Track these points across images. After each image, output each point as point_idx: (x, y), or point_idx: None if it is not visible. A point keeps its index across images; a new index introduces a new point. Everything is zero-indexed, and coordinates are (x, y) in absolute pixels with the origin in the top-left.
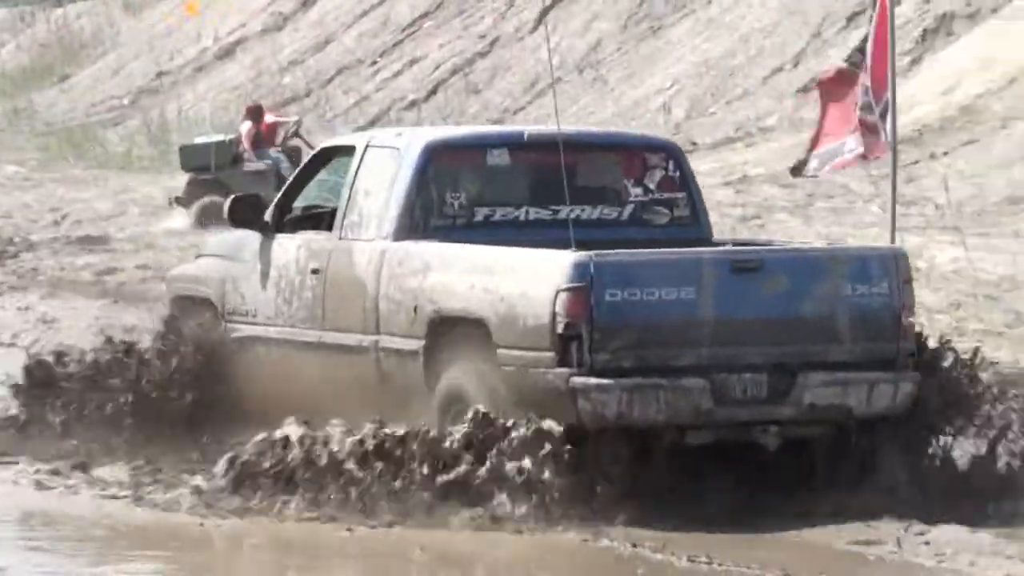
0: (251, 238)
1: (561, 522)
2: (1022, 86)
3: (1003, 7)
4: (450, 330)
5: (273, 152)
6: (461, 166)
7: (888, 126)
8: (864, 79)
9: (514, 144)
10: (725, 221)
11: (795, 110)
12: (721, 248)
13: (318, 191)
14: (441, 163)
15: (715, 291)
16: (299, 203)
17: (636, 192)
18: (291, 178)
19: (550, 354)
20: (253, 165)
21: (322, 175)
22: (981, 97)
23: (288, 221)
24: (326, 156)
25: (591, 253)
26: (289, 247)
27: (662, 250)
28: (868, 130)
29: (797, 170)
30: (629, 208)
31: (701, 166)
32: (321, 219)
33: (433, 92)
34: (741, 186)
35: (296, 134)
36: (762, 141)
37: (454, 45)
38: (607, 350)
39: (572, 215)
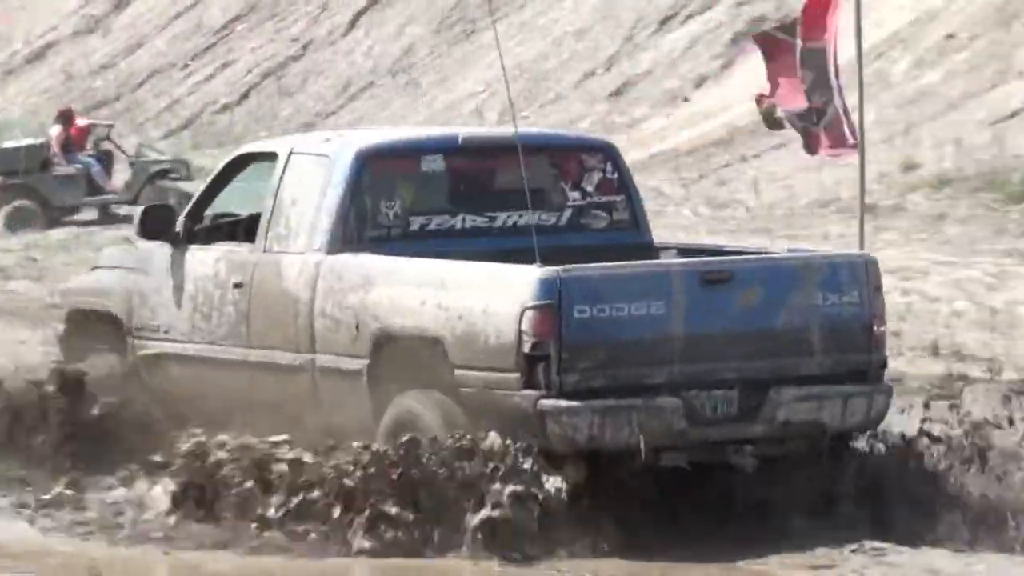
0: (159, 250)
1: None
2: None
3: None
4: (398, 349)
5: (83, 156)
6: (395, 173)
7: (832, 127)
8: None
9: (448, 149)
10: None
11: (607, 114)
12: (691, 260)
13: (232, 199)
14: (374, 171)
15: (685, 305)
16: (210, 212)
17: (574, 196)
18: (204, 186)
19: (515, 375)
20: (63, 169)
21: (236, 183)
22: None
23: (200, 231)
24: (242, 163)
25: (558, 268)
26: (205, 259)
27: (631, 263)
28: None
29: (774, 124)
30: (567, 213)
31: None
32: (236, 229)
33: (246, 96)
34: None
35: (107, 138)
36: None
37: (266, 48)
38: (576, 370)
39: (510, 222)
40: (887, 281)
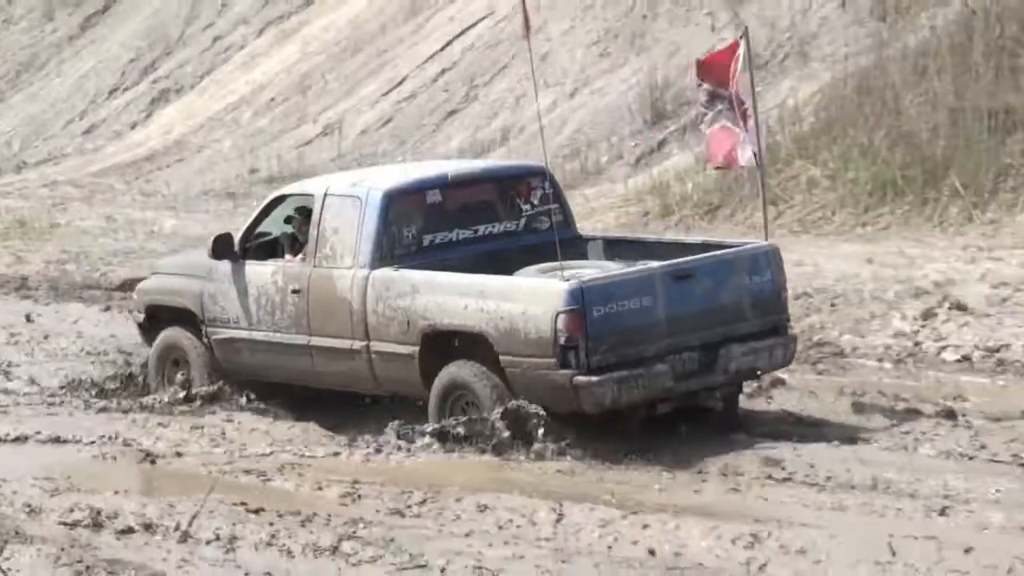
0: (220, 264)
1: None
2: (211, 129)
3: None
4: (444, 339)
5: None
6: (410, 207)
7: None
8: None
9: (442, 183)
10: None
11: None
12: (666, 263)
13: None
14: (396, 206)
15: (665, 296)
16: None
17: (526, 208)
18: (252, 217)
19: (553, 360)
20: None
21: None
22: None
23: (247, 250)
24: (280, 200)
25: (580, 281)
26: (263, 272)
27: (627, 270)
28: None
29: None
30: (523, 220)
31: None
32: (273, 248)
33: None
34: None
35: None
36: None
37: None
38: (597, 352)
39: (488, 231)
40: None
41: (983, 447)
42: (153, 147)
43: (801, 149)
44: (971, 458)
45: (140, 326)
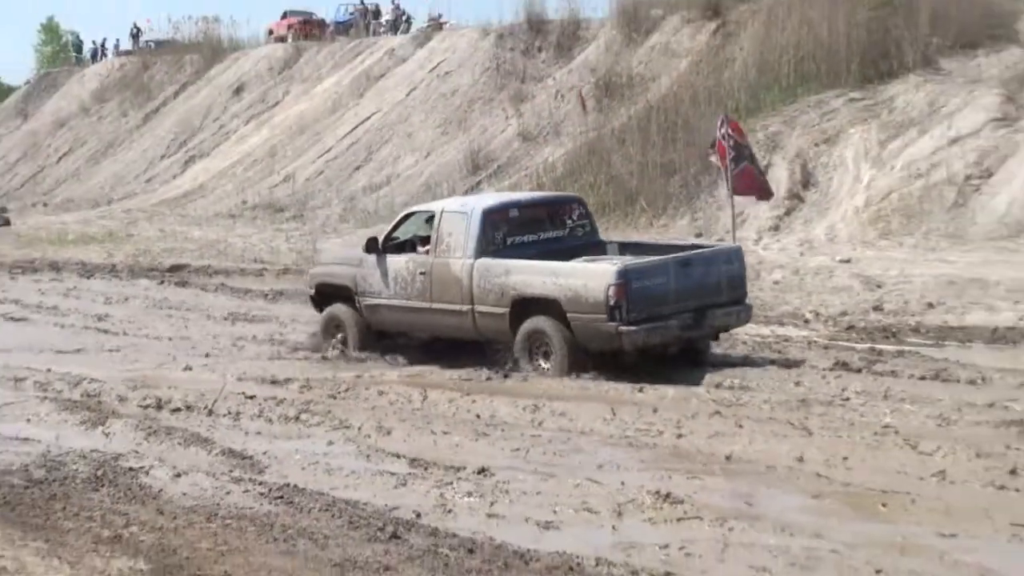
0: (368, 256)
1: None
2: (219, 178)
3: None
4: (528, 303)
5: None
6: (498, 219)
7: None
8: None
9: (519, 205)
10: None
11: None
12: (677, 254)
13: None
14: (490, 219)
15: (675, 276)
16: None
17: (569, 222)
18: (391, 226)
19: (605, 316)
20: None
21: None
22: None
23: (388, 247)
24: (409, 216)
25: (624, 264)
26: (399, 261)
27: (652, 258)
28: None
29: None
30: (567, 230)
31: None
32: (402, 246)
33: None
34: None
35: None
36: None
37: None
38: (634, 311)
39: (547, 236)
40: None
41: None
42: (186, 189)
43: (556, 186)
44: None
45: (312, 299)
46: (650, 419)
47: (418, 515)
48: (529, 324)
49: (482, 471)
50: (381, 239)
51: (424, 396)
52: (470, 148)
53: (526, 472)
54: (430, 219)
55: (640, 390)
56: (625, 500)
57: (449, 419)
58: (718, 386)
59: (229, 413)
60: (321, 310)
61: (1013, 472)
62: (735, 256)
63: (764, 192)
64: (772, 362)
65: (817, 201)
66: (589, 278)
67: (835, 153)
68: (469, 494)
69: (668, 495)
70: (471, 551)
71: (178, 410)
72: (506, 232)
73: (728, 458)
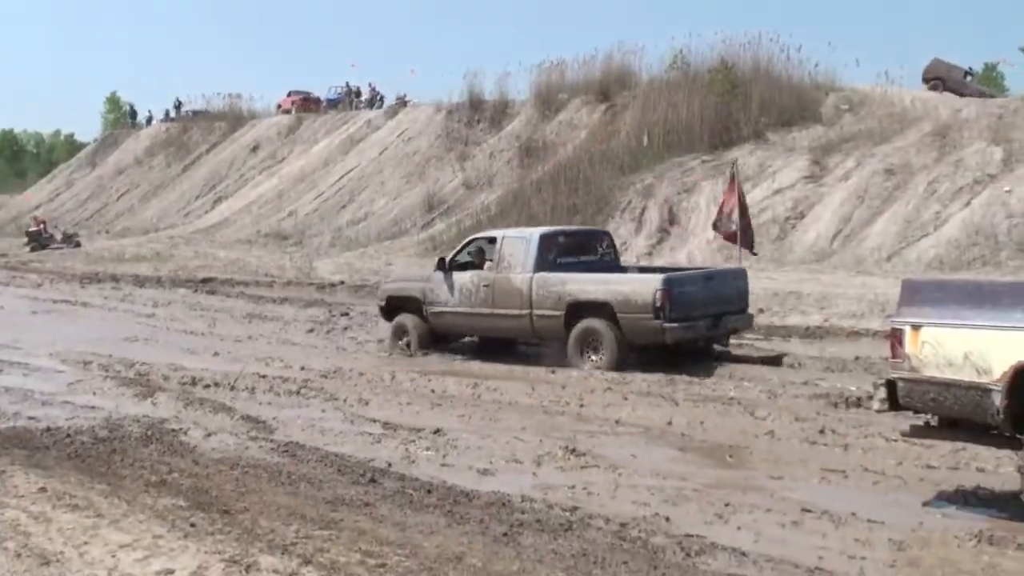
0: (435, 273)
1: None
2: (239, 214)
3: None
4: (582, 307)
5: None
6: (551, 243)
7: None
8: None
9: (566, 234)
10: None
11: None
12: (705, 270)
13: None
14: (546, 242)
15: (703, 287)
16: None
17: (600, 249)
18: (456, 249)
19: (651, 315)
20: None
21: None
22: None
23: (453, 265)
24: (472, 241)
25: (668, 275)
26: (464, 276)
27: (688, 271)
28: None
29: (715, 226)
30: (599, 255)
31: (160, 235)
32: (465, 266)
33: None
34: None
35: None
36: None
37: None
38: (675, 312)
39: (587, 259)
40: None
41: None
42: (214, 221)
43: (491, 222)
44: None
45: (381, 308)
46: (560, 394)
47: (389, 465)
48: (582, 324)
49: (437, 431)
50: (448, 259)
51: (392, 376)
52: (426, 194)
53: (469, 432)
54: (492, 242)
55: (552, 372)
56: (543, 453)
57: (411, 393)
58: (610, 369)
59: (247, 388)
60: (390, 319)
61: (822, 431)
62: (742, 275)
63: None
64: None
65: (679, 234)
66: (639, 285)
67: (692, 200)
68: (427, 449)
69: (574, 450)
70: (429, 491)
71: (208, 386)
72: (556, 253)
73: (617, 422)
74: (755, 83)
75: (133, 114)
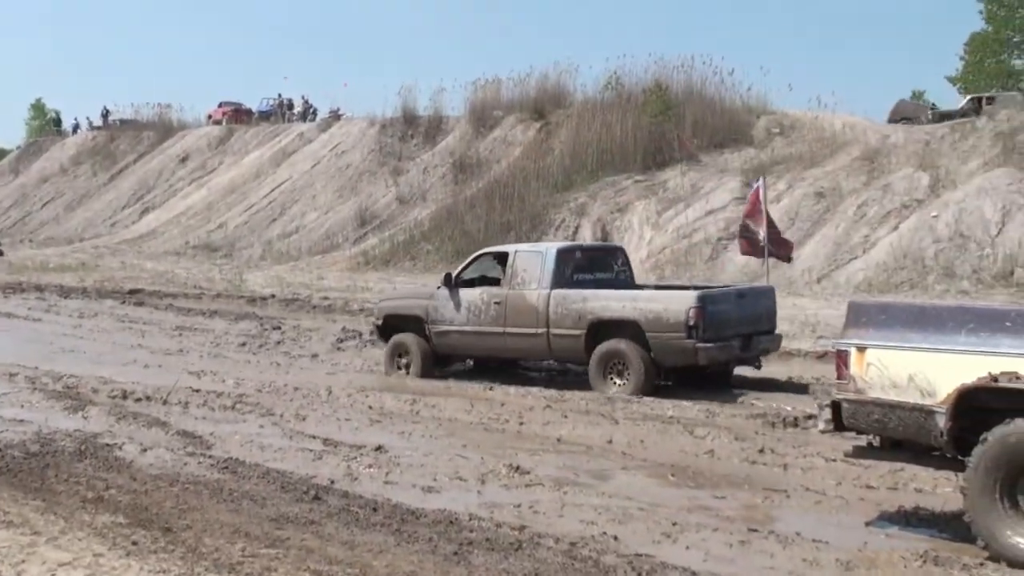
0: (439, 290)
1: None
2: (167, 225)
3: None
4: (605, 326)
5: None
6: (568, 258)
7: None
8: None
9: (582, 249)
10: None
11: None
12: (735, 287)
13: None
14: (561, 257)
15: (735, 305)
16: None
17: (614, 265)
18: (463, 265)
19: (684, 334)
20: None
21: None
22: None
23: (459, 282)
24: (480, 256)
25: (702, 292)
26: (472, 293)
27: (723, 288)
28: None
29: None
30: (614, 272)
31: (86, 244)
32: (472, 282)
33: None
34: None
35: None
36: None
37: None
38: (708, 331)
39: (603, 276)
40: None
41: None
42: (141, 232)
43: (424, 237)
44: None
45: (377, 328)
46: (499, 411)
47: (332, 482)
48: (606, 345)
49: (378, 448)
50: (454, 275)
51: (329, 391)
52: (359, 208)
53: (411, 449)
54: (502, 258)
55: (490, 389)
56: (486, 471)
57: (349, 409)
58: (547, 386)
59: (180, 403)
60: (386, 339)
61: (761, 451)
62: (771, 294)
63: (759, 251)
64: (585, 371)
65: None
66: (670, 302)
67: (626, 219)
68: (370, 466)
69: (518, 467)
70: (375, 509)
71: (140, 400)
72: (573, 269)
73: (559, 440)
74: (688, 105)
75: (58, 121)
